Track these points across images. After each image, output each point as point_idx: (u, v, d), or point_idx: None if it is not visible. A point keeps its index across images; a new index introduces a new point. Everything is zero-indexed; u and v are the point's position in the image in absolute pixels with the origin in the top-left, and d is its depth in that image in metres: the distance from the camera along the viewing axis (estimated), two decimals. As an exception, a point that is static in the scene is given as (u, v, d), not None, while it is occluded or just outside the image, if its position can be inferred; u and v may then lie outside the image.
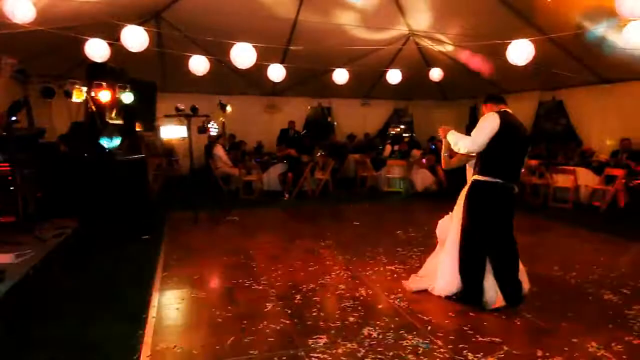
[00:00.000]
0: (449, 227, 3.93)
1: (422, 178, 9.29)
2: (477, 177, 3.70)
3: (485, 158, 3.66)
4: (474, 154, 3.79)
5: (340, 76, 8.84)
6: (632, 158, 7.74)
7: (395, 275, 4.48)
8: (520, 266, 3.85)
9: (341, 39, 8.53)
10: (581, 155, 8.47)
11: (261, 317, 3.48)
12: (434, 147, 11.67)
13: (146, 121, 8.33)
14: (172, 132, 10.74)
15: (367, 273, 4.54)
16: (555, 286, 4.11)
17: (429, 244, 5.61)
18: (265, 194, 9.33)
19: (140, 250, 5.35)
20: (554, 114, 12.02)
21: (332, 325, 3.35)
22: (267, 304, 3.74)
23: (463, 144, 3.67)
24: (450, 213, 4.02)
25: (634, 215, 7.05)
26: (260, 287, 4.15)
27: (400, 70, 9.11)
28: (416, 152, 9.57)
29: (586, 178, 7.88)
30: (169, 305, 3.77)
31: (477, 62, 8.51)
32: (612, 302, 3.80)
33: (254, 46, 6.29)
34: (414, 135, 14.69)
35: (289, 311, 3.60)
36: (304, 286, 4.16)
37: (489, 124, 3.56)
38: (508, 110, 3.75)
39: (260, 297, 3.91)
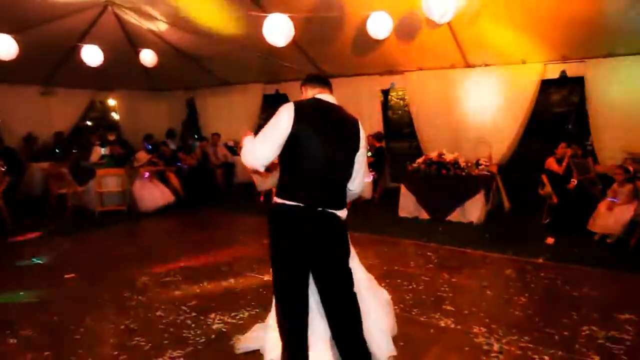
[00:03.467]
0: None
1: (150, 190, 7.32)
2: (276, 198, 2.39)
3: (283, 170, 2.40)
4: None
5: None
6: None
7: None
8: (389, 320, 2.84)
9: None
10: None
11: None
12: (150, 147, 9.76)
13: None
14: None
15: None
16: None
17: (195, 292, 3.99)
18: None
19: None
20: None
21: None
22: None
23: (245, 156, 2.38)
24: None
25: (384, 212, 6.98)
26: None
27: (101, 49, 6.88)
28: (143, 156, 7.51)
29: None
30: None
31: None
32: (452, 329, 3.26)
33: None
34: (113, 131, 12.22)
35: None
36: None
37: (277, 120, 2.29)
38: (324, 96, 2.47)
39: None
